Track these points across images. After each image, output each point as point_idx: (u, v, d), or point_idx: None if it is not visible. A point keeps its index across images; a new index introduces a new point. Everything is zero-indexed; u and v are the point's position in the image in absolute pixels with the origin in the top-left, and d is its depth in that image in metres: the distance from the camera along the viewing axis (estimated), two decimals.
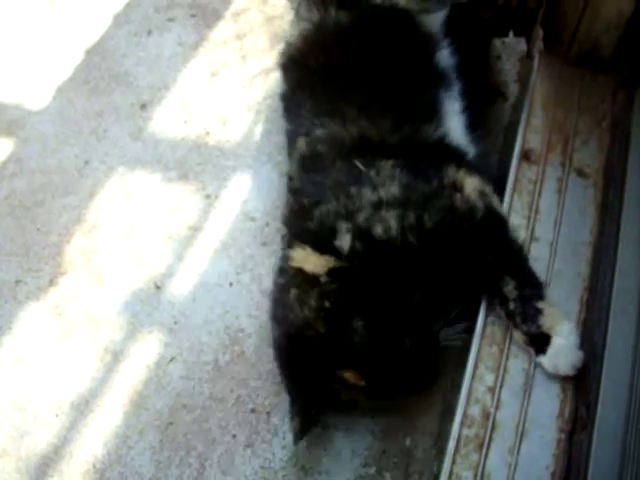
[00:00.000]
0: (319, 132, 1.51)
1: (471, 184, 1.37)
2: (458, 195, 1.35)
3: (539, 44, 1.67)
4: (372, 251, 1.32)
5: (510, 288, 1.28)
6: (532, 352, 1.27)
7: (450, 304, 1.34)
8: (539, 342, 1.25)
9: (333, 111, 1.50)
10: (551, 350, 1.24)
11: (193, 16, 2.07)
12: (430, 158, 1.41)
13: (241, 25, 2.04)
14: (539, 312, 1.27)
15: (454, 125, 1.51)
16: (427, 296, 1.32)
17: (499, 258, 1.32)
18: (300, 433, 1.33)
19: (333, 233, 1.34)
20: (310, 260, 1.36)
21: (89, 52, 2.05)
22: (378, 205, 1.34)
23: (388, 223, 1.32)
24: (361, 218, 1.33)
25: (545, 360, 1.25)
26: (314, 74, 1.59)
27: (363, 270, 1.32)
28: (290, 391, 1.37)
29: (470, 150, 1.51)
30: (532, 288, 1.29)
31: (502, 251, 1.33)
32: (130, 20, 2.10)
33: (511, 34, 1.73)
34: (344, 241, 1.33)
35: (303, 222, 1.41)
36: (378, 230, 1.32)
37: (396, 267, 1.31)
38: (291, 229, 1.48)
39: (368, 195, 1.36)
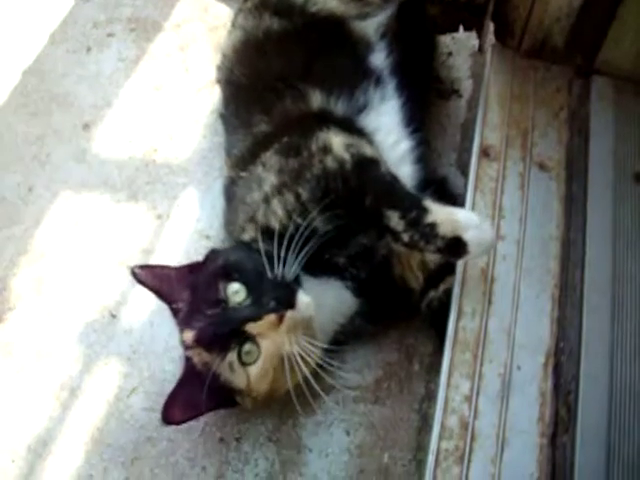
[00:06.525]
0: (235, 151, 1.49)
1: (338, 141, 1.34)
2: (329, 157, 1.32)
3: (490, 38, 1.64)
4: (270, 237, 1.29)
5: (396, 220, 1.25)
6: (455, 260, 1.31)
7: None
8: (455, 248, 1.24)
9: (248, 122, 1.48)
10: (471, 246, 1.23)
11: (133, 30, 2.00)
12: (305, 129, 1.39)
13: (183, 36, 1.98)
14: (434, 225, 1.23)
15: (388, 122, 1.48)
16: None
17: (376, 197, 1.29)
18: None
19: (241, 230, 1.36)
20: None
21: (26, 73, 1.96)
22: (266, 200, 1.33)
23: (277, 213, 1.30)
24: (259, 216, 1.33)
25: (471, 255, 1.25)
26: (240, 85, 1.55)
27: None
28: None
29: (409, 144, 1.48)
30: (413, 209, 1.26)
31: (377, 190, 1.30)
32: (67, 38, 2.02)
33: (461, 29, 1.70)
34: (247, 235, 1.34)
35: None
36: (273, 223, 1.30)
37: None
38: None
39: (256, 196, 1.35)
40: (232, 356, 1.22)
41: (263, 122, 1.44)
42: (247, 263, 1.27)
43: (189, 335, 1.24)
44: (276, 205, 1.31)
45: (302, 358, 1.23)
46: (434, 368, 1.40)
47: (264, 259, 1.25)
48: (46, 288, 1.61)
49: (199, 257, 1.53)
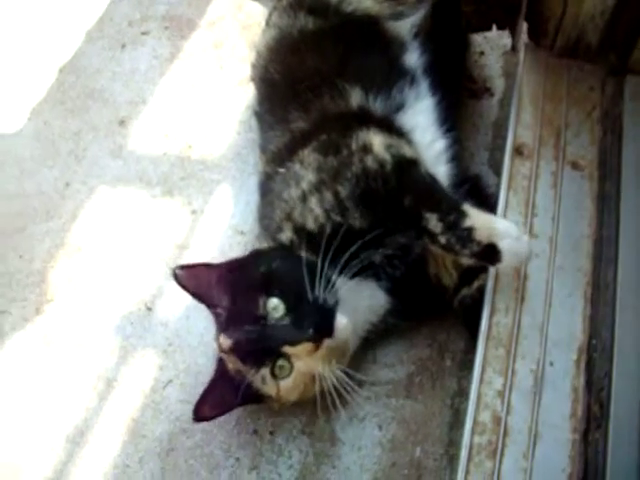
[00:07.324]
0: (271, 147, 1.51)
1: (378, 141, 1.35)
2: (369, 157, 1.33)
3: (523, 37, 1.64)
4: (309, 241, 1.32)
5: (434, 222, 1.26)
6: (488, 266, 1.30)
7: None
8: (489, 255, 1.24)
9: (284, 119, 1.49)
10: (505, 255, 1.23)
11: (167, 28, 2.03)
12: (344, 127, 1.40)
13: (217, 34, 2.00)
14: (471, 230, 1.24)
15: (423, 121, 1.48)
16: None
17: (415, 198, 1.30)
18: None
19: (279, 229, 1.37)
20: None
21: (63, 71, 2.00)
22: (303, 198, 1.34)
23: (314, 212, 1.32)
24: (296, 214, 1.34)
25: (504, 264, 1.25)
26: (275, 83, 1.56)
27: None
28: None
29: (443, 144, 1.48)
30: (452, 212, 1.26)
31: (416, 191, 1.31)
32: (103, 35, 2.05)
33: (494, 28, 1.70)
34: (285, 235, 1.35)
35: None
36: (310, 223, 1.32)
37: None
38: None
39: (294, 193, 1.36)
40: (265, 371, 1.25)
41: (300, 119, 1.45)
42: (288, 276, 1.28)
43: (227, 342, 1.26)
44: (314, 203, 1.32)
45: (334, 386, 1.26)
46: (466, 364, 1.42)
47: (305, 271, 1.25)
48: (83, 281, 1.64)
49: (233, 253, 1.57)
